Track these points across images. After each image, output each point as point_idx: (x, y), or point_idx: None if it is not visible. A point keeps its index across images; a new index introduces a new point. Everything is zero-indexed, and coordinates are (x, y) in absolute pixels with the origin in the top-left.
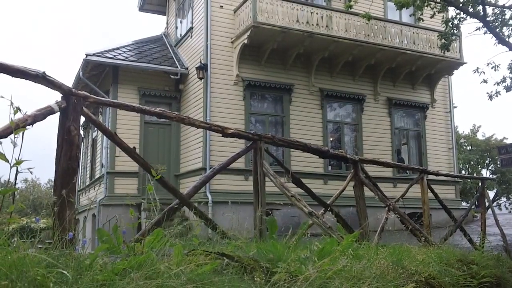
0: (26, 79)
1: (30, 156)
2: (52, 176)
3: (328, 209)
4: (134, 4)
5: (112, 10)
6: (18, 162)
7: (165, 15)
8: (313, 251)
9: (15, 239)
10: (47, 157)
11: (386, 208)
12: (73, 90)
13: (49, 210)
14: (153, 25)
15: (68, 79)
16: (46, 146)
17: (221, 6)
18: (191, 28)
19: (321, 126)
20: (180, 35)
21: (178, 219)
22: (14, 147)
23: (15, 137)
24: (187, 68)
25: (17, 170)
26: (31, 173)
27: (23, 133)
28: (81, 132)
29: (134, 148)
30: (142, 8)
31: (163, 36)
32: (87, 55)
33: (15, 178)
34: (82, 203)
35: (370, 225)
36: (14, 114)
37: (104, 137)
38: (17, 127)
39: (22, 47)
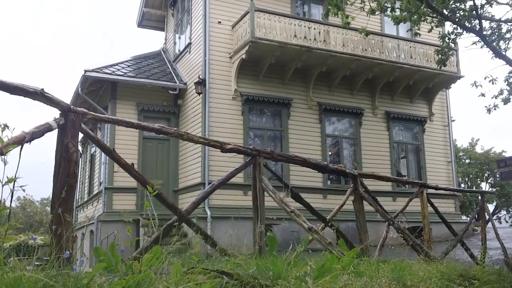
0: (24, 97)
1: (28, 170)
2: (46, 191)
3: (329, 225)
4: (134, 3)
5: (112, 10)
6: (10, 180)
7: (163, 31)
8: (313, 268)
9: (12, 258)
10: (43, 170)
11: (386, 223)
12: (72, 107)
13: (46, 227)
14: (152, 39)
15: (68, 79)
16: (45, 159)
17: (219, 22)
18: (190, 43)
19: (319, 140)
20: (179, 50)
21: (177, 237)
22: (5, 164)
23: (5, 155)
24: (185, 83)
25: (13, 189)
26: (24, 190)
27: (20, 149)
28: (80, 147)
29: (133, 164)
30: (140, 24)
31: (162, 51)
32: (85, 71)
33: (11, 197)
34: (80, 219)
35: (370, 239)
36: (2, 131)
37: (103, 152)
38: (6, 144)
39: (22, 47)
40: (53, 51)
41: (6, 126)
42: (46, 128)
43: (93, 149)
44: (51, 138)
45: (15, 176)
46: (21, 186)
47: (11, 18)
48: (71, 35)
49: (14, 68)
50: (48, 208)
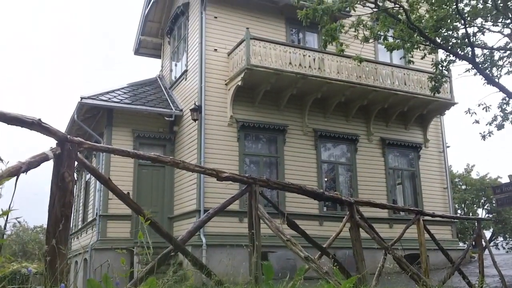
0: (21, 127)
1: (22, 196)
2: (40, 218)
3: (329, 256)
4: (134, 2)
5: (112, 9)
6: (5, 213)
7: (160, 58)
8: None
9: None
10: (37, 197)
11: (383, 251)
12: (68, 136)
13: (41, 256)
14: (149, 65)
15: (68, 79)
16: (39, 187)
17: (215, 50)
18: (186, 70)
19: (315, 167)
20: (175, 77)
21: (172, 266)
22: (0, 197)
23: (0, 188)
24: (181, 110)
25: (6, 220)
26: (19, 222)
27: (16, 180)
28: (74, 175)
29: (128, 193)
30: (137, 52)
31: (158, 78)
32: (82, 98)
33: (4, 229)
34: (74, 247)
35: (367, 267)
36: None
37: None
38: (1, 177)
39: (22, 47)
40: (53, 51)
41: (0, 159)
42: (43, 158)
43: (87, 176)
44: (45, 166)
45: (9, 207)
46: (16, 218)
47: (11, 18)
48: (71, 35)
49: (14, 68)
50: (42, 236)
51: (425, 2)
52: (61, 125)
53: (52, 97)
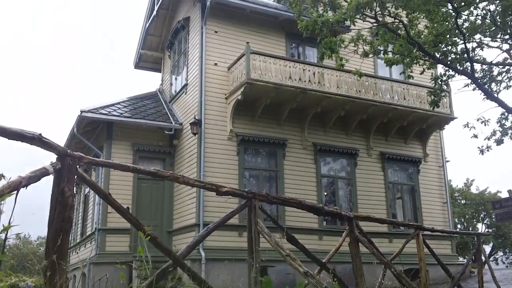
0: (22, 141)
1: (24, 207)
2: (41, 230)
3: (329, 272)
4: (134, 2)
5: (112, 9)
6: (6, 228)
7: (160, 72)
8: None
9: None
10: (39, 210)
11: (383, 266)
12: (68, 151)
13: (40, 271)
14: (150, 78)
15: (67, 79)
16: (39, 201)
17: (216, 64)
18: (186, 84)
19: (315, 181)
20: (175, 91)
21: (172, 282)
22: (1, 214)
23: (2, 204)
24: (181, 124)
25: (6, 236)
26: (20, 238)
27: (16, 194)
28: (74, 189)
29: (128, 208)
30: (137, 66)
31: (158, 92)
32: (82, 111)
33: (3, 245)
34: (73, 261)
35: (367, 282)
36: None
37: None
38: (2, 193)
39: (22, 47)
40: (53, 51)
41: (2, 175)
42: (43, 173)
43: (86, 190)
44: (44, 180)
45: (9, 222)
46: (17, 234)
47: (11, 18)
48: (71, 35)
49: (14, 68)
50: (41, 249)
51: (424, 18)
52: (61, 127)
53: (52, 97)
